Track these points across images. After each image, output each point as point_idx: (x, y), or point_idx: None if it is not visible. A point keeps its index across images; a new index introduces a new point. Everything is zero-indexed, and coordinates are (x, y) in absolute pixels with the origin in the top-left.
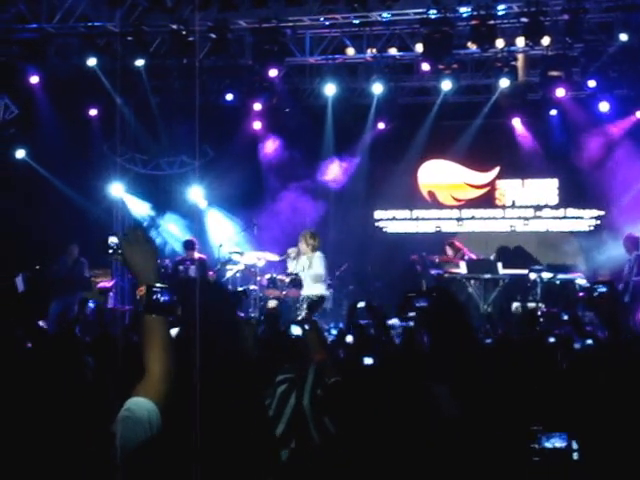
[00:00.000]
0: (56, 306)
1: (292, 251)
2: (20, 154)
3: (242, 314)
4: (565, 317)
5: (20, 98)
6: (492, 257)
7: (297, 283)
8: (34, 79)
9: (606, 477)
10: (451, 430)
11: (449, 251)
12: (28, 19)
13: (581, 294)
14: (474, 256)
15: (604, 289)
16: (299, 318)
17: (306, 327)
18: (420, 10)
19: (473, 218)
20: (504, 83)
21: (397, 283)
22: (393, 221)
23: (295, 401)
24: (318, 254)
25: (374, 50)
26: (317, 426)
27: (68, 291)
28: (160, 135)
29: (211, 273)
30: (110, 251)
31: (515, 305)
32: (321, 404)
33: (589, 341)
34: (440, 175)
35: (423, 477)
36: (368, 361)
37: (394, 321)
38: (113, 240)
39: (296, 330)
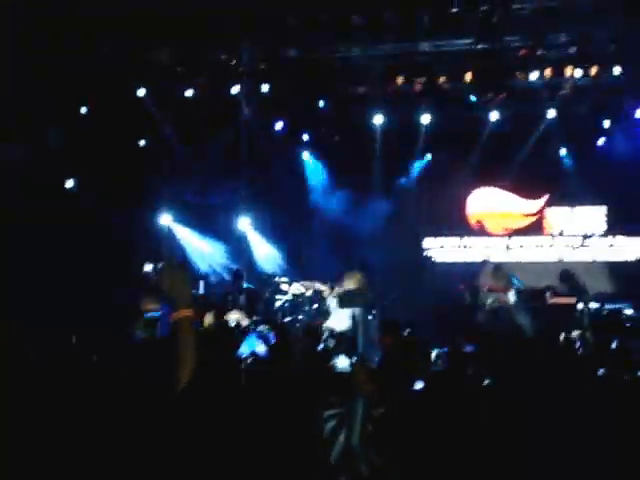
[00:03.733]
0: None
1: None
2: (69, 184)
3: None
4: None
5: (69, 128)
6: (540, 286)
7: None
8: (83, 109)
9: None
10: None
11: (496, 274)
12: (76, 50)
13: (628, 324)
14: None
15: None
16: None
17: (353, 360)
18: (468, 40)
19: (522, 247)
20: (552, 112)
21: (445, 312)
22: (442, 249)
23: (344, 439)
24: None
25: (422, 80)
26: (365, 460)
27: (122, 322)
28: (209, 164)
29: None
30: (146, 279)
31: (563, 335)
32: (370, 440)
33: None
34: (489, 203)
35: None
36: (419, 386)
37: (438, 351)
38: (148, 268)
39: (342, 363)
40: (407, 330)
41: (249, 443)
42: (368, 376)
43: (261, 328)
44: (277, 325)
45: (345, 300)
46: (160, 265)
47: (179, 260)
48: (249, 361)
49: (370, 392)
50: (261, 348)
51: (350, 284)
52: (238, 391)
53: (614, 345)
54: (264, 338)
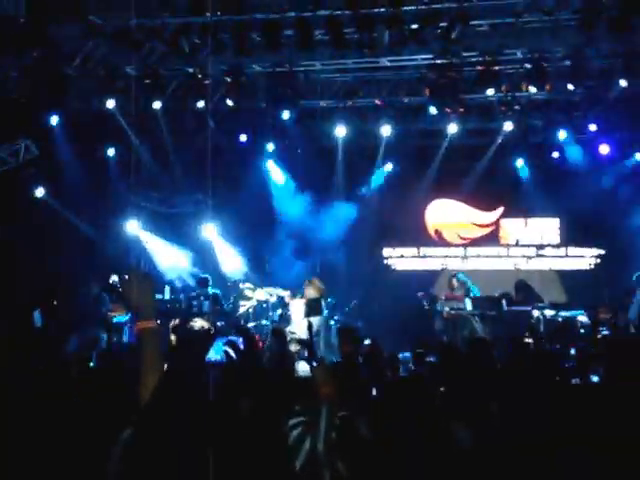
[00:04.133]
0: (73, 343)
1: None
2: (40, 193)
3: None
4: (572, 352)
5: (40, 138)
6: (496, 294)
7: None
8: (54, 120)
9: None
10: (464, 460)
11: (454, 283)
12: (49, 62)
13: (582, 331)
14: None
15: (607, 332)
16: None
17: (314, 364)
18: (428, 56)
19: (478, 256)
20: (508, 126)
21: (405, 319)
22: (401, 259)
23: (310, 446)
24: None
25: (383, 94)
26: (330, 470)
27: (87, 327)
28: (175, 174)
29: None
30: (112, 288)
31: (518, 342)
32: (334, 448)
33: (595, 378)
34: (447, 214)
35: None
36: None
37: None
38: (114, 278)
39: (303, 368)
40: (367, 340)
41: (215, 453)
42: (329, 378)
43: (227, 334)
44: (245, 331)
45: (309, 310)
46: (126, 275)
47: (144, 270)
48: (217, 368)
49: (331, 395)
50: (230, 354)
51: (311, 292)
52: (205, 399)
53: (572, 352)
54: (232, 344)
